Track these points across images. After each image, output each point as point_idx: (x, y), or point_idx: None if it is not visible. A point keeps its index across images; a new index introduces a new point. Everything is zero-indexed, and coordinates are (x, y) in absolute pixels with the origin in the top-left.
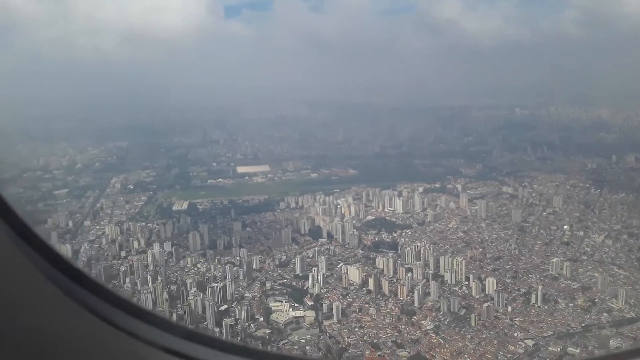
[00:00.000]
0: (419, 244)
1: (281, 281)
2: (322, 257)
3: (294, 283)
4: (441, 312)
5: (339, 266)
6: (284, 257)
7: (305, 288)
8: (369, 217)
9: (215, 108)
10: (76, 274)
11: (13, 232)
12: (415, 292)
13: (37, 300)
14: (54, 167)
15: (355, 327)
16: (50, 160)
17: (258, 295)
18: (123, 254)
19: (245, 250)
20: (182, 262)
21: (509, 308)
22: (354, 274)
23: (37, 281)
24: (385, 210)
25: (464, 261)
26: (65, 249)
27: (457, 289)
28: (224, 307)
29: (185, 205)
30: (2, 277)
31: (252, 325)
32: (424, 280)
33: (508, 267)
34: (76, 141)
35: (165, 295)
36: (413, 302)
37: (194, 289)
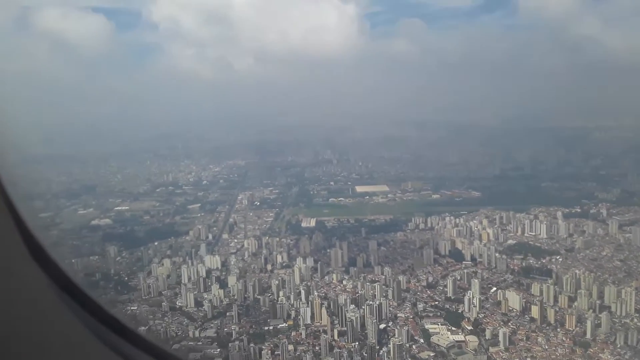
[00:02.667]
0: (577, 271)
1: (433, 303)
2: (476, 281)
3: (447, 306)
4: (619, 346)
5: (492, 290)
6: (430, 278)
7: (460, 312)
8: (510, 242)
9: (322, 127)
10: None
11: (56, 285)
12: (588, 322)
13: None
14: (182, 183)
15: (527, 357)
16: (178, 176)
17: (411, 316)
18: (269, 267)
19: (390, 269)
20: (326, 277)
21: None
22: (513, 299)
23: (78, 332)
24: (526, 234)
25: (633, 292)
26: (214, 260)
27: (628, 321)
28: (382, 326)
29: (313, 223)
30: (45, 329)
31: (413, 346)
32: (590, 310)
33: None
34: (197, 159)
35: (324, 311)
36: (584, 333)
37: (352, 306)
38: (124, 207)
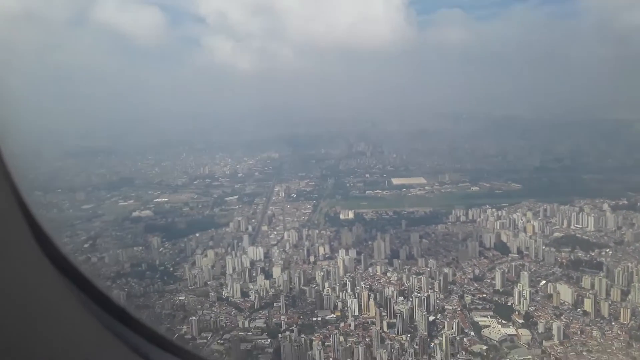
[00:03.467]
0: (629, 264)
1: (481, 295)
2: (525, 273)
3: (495, 298)
4: None
5: (541, 284)
6: (476, 271)
7: (510, 304)
8: (557, 234)
9: (354, 120)
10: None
11: (67, 279)
12: None
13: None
14: (219, 175)
15: (582, 351)
16: (214, 169)
17: (459, 309)
18: (312, 259)
19: (435, 262)
20: (370, 269)
21: None
22: (565, 292)
23: (88, 324)
24: (572, 227)
25: None
26: (257, 252)
27: None
28: (431, 318)
29: (351, 215)
30: (55, 320)
31: (464, 339)
32: None
33: None
34: (232, 152)
35: (372, 302)
36: None
37: (401, 298)
38: (163, 199)
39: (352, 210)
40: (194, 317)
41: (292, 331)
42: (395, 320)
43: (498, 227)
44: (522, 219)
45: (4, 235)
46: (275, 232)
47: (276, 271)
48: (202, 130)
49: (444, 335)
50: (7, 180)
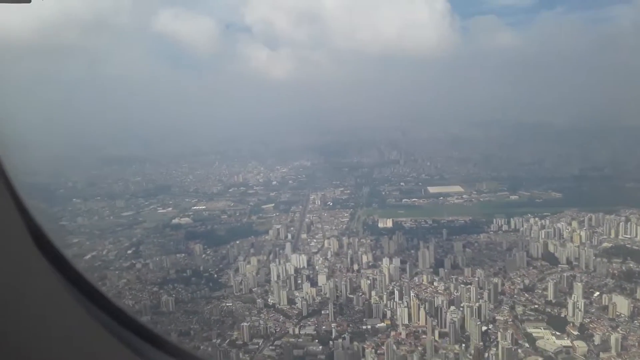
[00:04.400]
0: None
1: (532, 306)
2: (579, 284)
3: (548, 309)
4: None
5: (595, 295)
6: (526, 281)
7: (563, 316)
8: (605, 244)
9: (384, 128)
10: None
11: (65, 280)
12: None
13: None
14: (253, 183)
15: None
16: (247, 177)
17: (510, 319)
18: (356, 267)
19: (482, 271)
20: (416, 278)
21: None
22: (621, 304)
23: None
24: (621, 237)
25: None
26: (300, 259)
27: None
28: (484, 329)
29: (390, 223)
30: (51, 319)
31: (518, 350)
32: None
33: None
34: (263, 160)
35: (422, 311)
36: None
37: (452, 307)
38: (200, 207)
39: (391, 219)
40: (245, 323)
41: (344, 339)
42: (446, 330)
43: (543, 237)
44: (567, 229)
45: (2, 237)
46: (315, 240)
47: (321, 279)
48: (232, 139)
49: (499, 346)
50: (5, 183)
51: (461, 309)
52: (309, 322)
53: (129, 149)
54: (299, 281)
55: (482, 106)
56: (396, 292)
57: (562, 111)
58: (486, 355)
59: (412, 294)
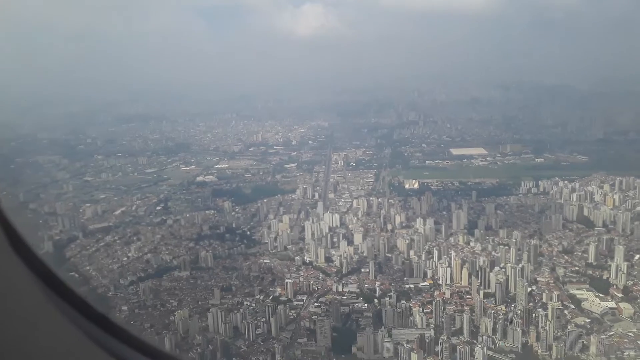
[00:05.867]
0: None
1: (573, 268)
2: (621, 247)
3: (589, 272)
4: None
5: (636, 258)
6: (564, 244)
7: (605, 278)
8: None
9: (399, 89)
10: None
11: (41, 282)
12: None
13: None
14: (272, 142)
15: None
16: (266, 136)
17: (552, 281)
18: (389, 227)
19: (519, 233)
20: (451, 239)
21: None
22: None
23: (65, 330)
24: None
25: None
26: (333, 218)
27: None
28: (529, 290)
29: (415, 184)
30: (31, 328)
31: (564, 311)
32: None
33: None
34: (280, 119)
35: (465, 272)
36: None
37: (496, 268)
38: (223, 165)
39: (416, 180)
40: (289, 280)
41: (390, 297)
42: (490, 290)
43: (574, 200)
44: (598, 192)
45: None
46: (342, 200)
47: (357, 238)
48: (246, 98)
49: (550, 307)
50: None
51: (503, 269)
52: (351, 280)
53: (144, 107)
54: (334, 240)
55: (501, 68)
56: (435, 252)
57: (581, 74)
58: (533, 315)
59: (452, 254)
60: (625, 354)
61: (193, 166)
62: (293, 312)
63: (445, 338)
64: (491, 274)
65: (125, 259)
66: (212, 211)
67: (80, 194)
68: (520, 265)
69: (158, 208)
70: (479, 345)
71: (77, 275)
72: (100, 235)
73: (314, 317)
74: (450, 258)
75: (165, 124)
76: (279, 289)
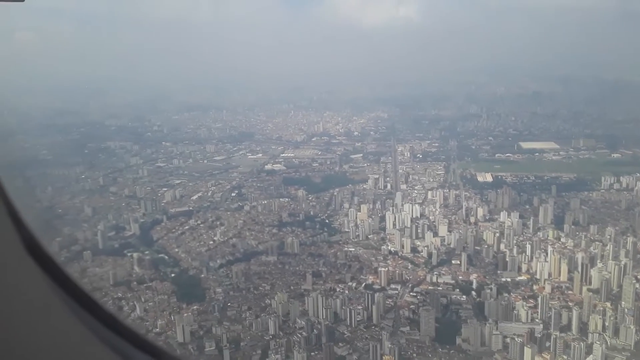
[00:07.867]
0: None
1: None
2: None
3: None
4: None
5: None
6: None
7: None
8: None
9: (454, 82)
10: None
11: (51, 280)
12: None
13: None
14: (334, 133)
15: None
16: (327, 127)
17: None
18: (472, 219)
19: (613, 229)
20: (540, 234)
21: None
22: None
23: (73, 328)
24: None
25: None
26: (414, 209)
27: None
28: (638, 287)
29: (489, 177)
30: (41, 325)
31: None
32: None
33: None
34: (337, 111)
35: (564, 267)
36: None
37: (600, 264)
38: (289, 154)
39: (489, 173)
40: (382, 269)
41: (490, 290)
42: (592, 287)
43: None
44: None
45: None
46: (415, 191)
47: (442, 229)
48: (300, 89)
49: None
50: None
51: (604, 266)
52: (443, 272)
53: (203, 96)
54: (419, 230)
55: (558, 62)
56: (528, 247)
57: None
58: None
59: (550, 249)
60: None
61: (260, 155)
62: (390, 300)
63: (557, 334)
64: (592, 270)
65: (212, 242)
66: (287, 199)
67: (155, 179)
68: (622, 262)
69: (233, 194)
70: (597, 343)
71: (166, 257)
72: (183, 218)
73: (411, 306)
74: (547, 253)
75: (226, 113)
76: (370, 277)
